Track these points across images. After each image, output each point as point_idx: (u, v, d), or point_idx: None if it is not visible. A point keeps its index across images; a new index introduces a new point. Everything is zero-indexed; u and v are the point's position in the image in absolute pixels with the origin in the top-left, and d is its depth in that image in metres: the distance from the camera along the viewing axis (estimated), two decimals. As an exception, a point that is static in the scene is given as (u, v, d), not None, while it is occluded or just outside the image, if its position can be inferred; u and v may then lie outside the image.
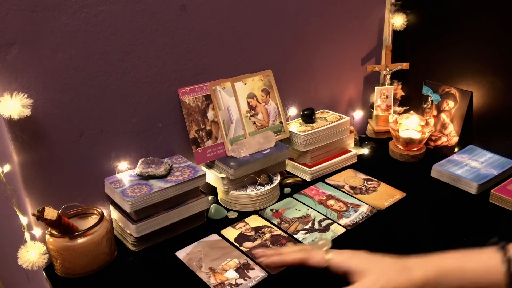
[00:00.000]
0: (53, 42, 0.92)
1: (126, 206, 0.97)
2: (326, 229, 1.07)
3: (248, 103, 1.26)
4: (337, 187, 1.26)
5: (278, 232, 1.07)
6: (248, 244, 1.02)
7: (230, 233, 1.07)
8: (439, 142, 1.47)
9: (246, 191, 1.16)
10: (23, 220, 0.93)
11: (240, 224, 1.10)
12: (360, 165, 1.40)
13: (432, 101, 1.49)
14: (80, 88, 0.98)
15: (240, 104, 1.24)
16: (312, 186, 1.27)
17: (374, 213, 1.13)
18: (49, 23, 0.90)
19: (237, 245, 1.02)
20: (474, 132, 1.42)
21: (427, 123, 1.42)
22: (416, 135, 1.40)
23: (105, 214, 1.01)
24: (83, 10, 0.94)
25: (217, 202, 1.21)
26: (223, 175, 1.16)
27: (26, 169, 0.94)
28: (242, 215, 1.15)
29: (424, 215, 1.13)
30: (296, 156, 1.37)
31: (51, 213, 0.87)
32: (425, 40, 1.51)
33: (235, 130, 1.23)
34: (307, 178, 1.32)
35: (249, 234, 1.07)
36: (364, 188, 1.25)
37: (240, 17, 1.21)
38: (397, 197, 1.20)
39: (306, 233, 1.05)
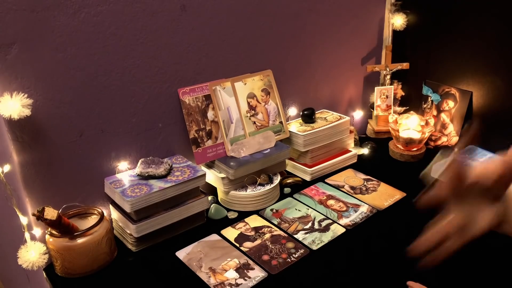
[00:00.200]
0: (53, 42, 0.92)
1: (126, 206, 0.97)
2: (326, 229, 1.07)
3: (248, 103, 1.26)
4: (337, 187, 1.26)
5: (278, 232, 1.07)
6: (248, 244, 1.02)
7: (230, 233, 1.07)
8: (439, 142, 1.47)
9: (246, 191, 1.16)
10: (23, 220, 0.93)
11: (240, 224, 1.10)
12: (360, 165, 1.40)
13: (432, 101, 1.49)
14: (80, 88, 0.98)
15: (240, 104, 1.24)
16: (312, 186, 1.27)
17: (374, 213, 1.13)
18: (49, 23, 0.90)
19: (237, 245, 1.02)
20: (474, 133, 1.42)
21: (427, 123, 1.42)
22: (416, 135, 1.40)
23: (105, 214, 1.01)
24: (83, 10, 0.94)
25: (217, 202, 1.21)
26: (223, 175, 1.16)
27: (26, 169, 0.94)
28: (242, 215, 1.15)
29: (424, 215, 1.13)
30: (296, 156, 1.37)
31: (51, 213, 0.87)
32: (425, 40, 1.51)
33: (235, 130, 1.23)
34: (307, 178, 1.32)
35: (249, 234, 1.06)
36: (364, 188, 1.25)
37: (240, 17, 1.21)
38: (397, 197, 1.19)
39: (306, 233, 1.05)
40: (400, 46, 1.57)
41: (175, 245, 1.03)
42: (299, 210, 1.15)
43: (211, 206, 1.15)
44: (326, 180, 1.31)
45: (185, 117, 1.15)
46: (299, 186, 1.28)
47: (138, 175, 1.05)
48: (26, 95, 0.87)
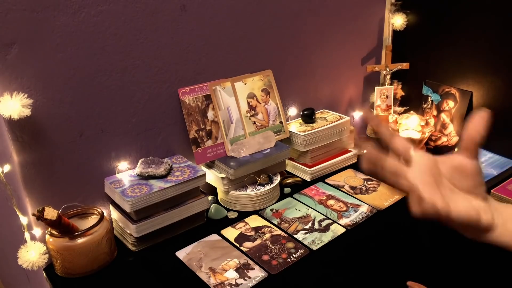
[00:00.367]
0: (53, 42, 0.92)
1: (126, 206, 0.97)
2: (326, 229, 1.07)
3: (248, 103, 1.26)
4: (337, 187, 1.26)
5: (278, 232, 1.07)
6: (248, 244, 1.02)
7: (230, 233, 1.07)
8: (439, 142, 1.47)
9: (246, 191, 1.16)
10: (23, 220, 0.93)
11: (240, 224, 1.10)
12: (360, 165, 1.40)
13: (432, 101, 1.49)
14: (80, 88, 0.98)
15: (240, 104, 1.24)
16: (312, 186, 1.27)
17: (374, 213, 1.13)
18: (49, 23, 0.90)
19: (237, 245, 1.02)
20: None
21: (427, 123, 1.42)
22: (416, 135, 1.40)
23: (105, 214, 1.01)
24: (83, 10, 0.94)
25: (217, 202, 1.21)
26: (223, 175, 1.16)
27: (26, 169, 0.94)
28: (242, 215, 1.15)
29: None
30: (296, 156, 1.37)
31: (51, 213, 0.87)
32: (425, 40, 1.51)
33: (235, 130, 1.23)
34: (307, 178, 1.32)
35: (249, 234, 1.06)
36: (364, 188, 1.25)
37: (240, 17, 1.21)
38: (397, 197, 1.19)
39: (306, 233, 1.05)
40: (400, 46, 1.57)
41: (175, 245, 1.03)
42: (299, 210, 1.15)
43: (211, 206, 1.15)
44: (326, 180, 1.31)
45: (185, 117, 1.15)
46: (299, 186, 1.28)
47: (138, 175, 1.05)
48: (26, 95, 0.87)
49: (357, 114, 1.64)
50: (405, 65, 1.54)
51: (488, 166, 1.29)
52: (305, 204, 1.18)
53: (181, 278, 0.93)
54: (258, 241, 1.03)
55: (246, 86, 1.26)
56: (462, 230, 0.52)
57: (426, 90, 1.51)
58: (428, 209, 0.48)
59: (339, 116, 1.40)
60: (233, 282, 0.90)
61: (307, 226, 1.08)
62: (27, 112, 0.86)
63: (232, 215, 1.15)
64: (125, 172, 1.09)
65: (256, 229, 1.08)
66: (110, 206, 1.07)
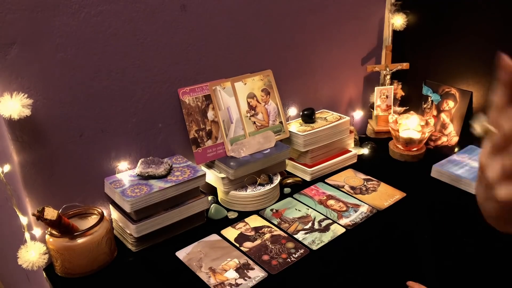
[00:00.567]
0: (53, 42, 0.92)
1: (126, 206, 0.97)
2: (326, 229, 1.07)
3: (248, 103, 1.26)
4: (337, 187, 1.26)
5: (278, 232, 1.07)
6: (248, 244, 1.02)
7: (230, 233, 1.07)
8: (439, 142, 1.47)
9: (246, 191, 1.16)
10: (23, 220, 0.92)
11: (240, 224, 1.10)
12: (360, 165, 1.40)
13: (432, 101, 1.49)
14: (80, 88, 0.98)
15: (240, 104, 1.24)
16: (312, 186, 1.27)
17: (374, 213, 1.13)
18: (49, 23, 0.90)
19: (237, 245, 1.02)
20: (474, 133, 1.42)
21: (427, 123, 1.42)
22: (416, 135, 1.40)
23: (105, 214, 1.01)
24: (83, 10, 0.94)
25: (217, 202, 1.21)
26: (223, 175, 1.16)
27: (26, 169, 0.94)
28: (242, 215, 1.15)
29: (424, 215, 1.13)
30: (296, 156, 1.37)
31: (51, 213, 0.87)
32: (425, 40, 1.51)
33: (235, 130, 1.23)
34: (307, 178, 1.32)
35: (249, 234, 1.06)
36: (364, 188, 1.25)
37: (240, 17, 1.21)
38: (397, 197, 1.19)
39: (306, 233, 1.05)
40: (400, 46, 1.57)
41: (175, 245, 1.03)
42: (299, 210, 1.15)
43: (211, 206, 1.15)
44: (326, 180, 1.31)
45: (185, 117, 1.15)
46: (299, 186, 1.28)
47: (138, 175, 1.05)
48: (26, 95, 0.87)
49: (357, 114, 1.64)
50: (405, 65, 1.55)
51: (488, 166, 1.28)
52: (305, 204, 1.18)
53: (181, 278, 0.93)
54: (258, 241, 1.03)
55: (246, 86, 1.26)
56: (499, 220, 0.45)
57: (426, 90, 1.51)
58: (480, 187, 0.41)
59: (339, 116, 1.40)
60: (233, 282, 0.90)
61: (307, 226, 1.08)
62: (27, 112, 0.86)
63: (232, 215, 1.15)
64: (125, 172, 1.09)
65: (256, 229, 1.08)
66: (110, 206, 1.07)
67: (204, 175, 1.08)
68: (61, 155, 0.99)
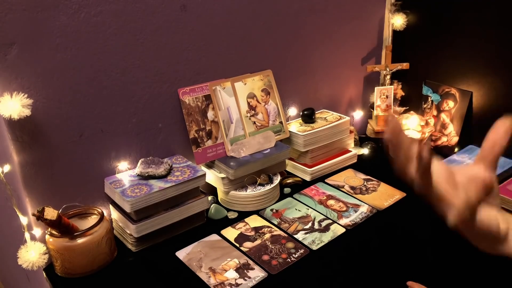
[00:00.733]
0: (53, 42, 0.92)
1: (126, 206, 0.97)
2: (326, 229, 1.07)
3: (248, 103, 1.26)
4: (337, 187, 1.26)
5: (278, 232, 1.07)
6: (248, 244, 1.02)
7: (230, 233, 1.07)
8: (439, 142, 1.47)
9: (246, 191, 1.16)
10: (23, 220, 0.93)
11: (240, 224, 1.10)
12: (360, 165, 1.40)
13: (432, 101, 1.49)
14: (80, 88, 0.98)
15: (240, 104, 1.24)
16: (312, 186, 1.27)
17: (374, 213, 1.13)
18: (49, 23, 0.90)
19: (237, 245, 1.02)
20: (474, 132, 1.42)
21: (427, 123, 1.42)
22: (416, 135, 1.40)
23: (105, 214, 1.01)
24: (83, 10, 0.94)
25: (217, 202, 1.21)
26: (223, 175, 1.16)
27: (26, 169, 0.94)
28: (242, 215, 1.15)
29: (424, 215, 1.13)
30: (296, 156, 1.37)
31: (51, 213, 0.87)
32: (425, 40, 1.51)
33: (235, 130, 1.23)
34: (307, 178, 1.31)
35: (249, 234, 1.06)
36: (364, 188, 1.25)
37: (240, 17, 1.21)
38: (397, 197, 1.19)
39: (306, 233, 1.05)
40: (400, 46, 1.57)
41: (175, 245, 1.03)
42: (299, 210, 1.15)
43: (211, 206, 1.15)
44: (326, 180, 1.31)
45: (185, 117, 1.15)
46: (299, 186, 1.28)
47: (138, 175, 1.05)
48: (26, 95, 0.87)
49: (357, 114, 1.64)
50: (405, 65, 1.54)
51: (488, 166, 1.28)
52: (305, 204, 1.18)
53: (181, 278, 0.93)
54: (258, 241, 1.03)
55: (246, 86, 1.26)
56: (478, 241, 0.50)
57: (426, 90, 1.51)
58: (461, 215, 0.45)
59: (339, 116, 1.40)
60: (233, 282, 0.90)
61: (307, 226, 1.08)
62: (27, 112, 0.86)
63: (232, 215, 1.15)
64: (125, 172, 1.09)
65: (256, 229, 1.08)
66: (110, 206, 1.07)
67: (204, 175, 1.08)
68: (61, 155, 0.99)
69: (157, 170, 1.04)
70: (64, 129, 0.98)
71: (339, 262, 0.97)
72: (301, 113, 1.38)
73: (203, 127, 1.18)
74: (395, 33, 1.56)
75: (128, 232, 1.01)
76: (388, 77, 1.56)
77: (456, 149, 1.42)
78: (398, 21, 1.52)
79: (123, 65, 1.03)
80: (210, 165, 1.22)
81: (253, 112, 1.26)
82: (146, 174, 1.04)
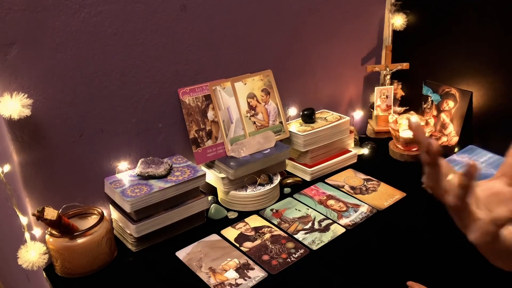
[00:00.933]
0: (53, 42, 0.92)
1: (126, 206, 0.97)
2: (326, 229, 1.07)
3: (248, 103, 1.26)
4: (337, 187, 1.26)
5: (278, 232, 1.07)
6: (248, 244, 1.02)
7: (230, 233, 1.07)
8: (439, 142, 1.47)
9: (246, 191, 1.16)
10: (23, 220, 0.93)
11: (240, 224, 1.10)
12: (360, 165, 1.40)
13: (432, 101, 1.49)
14: (80, 88, 0.98)
15: (240, 104, 1.24)
16: (312, 186, 1.27)
17: (374, 213, 1.13)
18: (49, 23, 0.90)
19: (237, 245, 1.02)
20: (474, 132, 1.42)
21: (427, 123, 1.42)
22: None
23: (105, 214, 1.01)
24: (83, 10, 0.94)
25: (217, 202, 1.21)
26: (223, 175, 1.16)
27: (26, 169, 0.94)
28: (242, 215, 1.15)
29: (424, 215, 1.13)
30: (296, 156, 1.37)
31: (51, 213, 0.87)
32: (425, 40, 1.51)
33: (235, 130, 1.23)
34: (307, 178, 1.31)
35: (249, 234, 1.06)
36: (364, 188, 1.25)
37: (240, 17, 1.21)
38: (397, 197, 1.19)
39: (306, 233, 1.05)
40: (400, 46, 1.57)
41: (175, 245, 1.03)
42: (299, 210, 1.15)
43: (211, 206, 1.15)
44: (326, 180, 1.31)
45: (185, 117, 1.15)
46: (299, 186, 1.28)
47: (138, 175, 1.05)
48: (26, 95, 0.87)
49: (357, 114, 1.64)
50: (405, 65, 1.55)
51: (488, 166, 1.29)
52: (305, 204, 1.18)
53: (181, 278, 0.93)
54: (258, 241, 1.03)
55: (246, 86, 1.26)
56: (497, 259, 0.50)
57: (426, 90, 1.51)
58: (486, 230, 0.45)
59: (339, 116, 1.40)
60: (233, 282, 0.90)
61: (307, 226, 1.08)
62: (27, 112, 0.86)
63: (232, 215, 1.15)
64: (125, 172, 1.09)
65: (256, 229, 1.08)
66: (110, 206, 1.07)
67: (204, 175, 1.08)
68: (61, 155, 0.99)
69: (157, 170, 1.04)
70: (64, 129, 0.98)
71: (339, 262, 0.97)
72: (301, 113, 1.38)
73: (203, 127, 1.18)
74: (395, 33, 1.56)
75: (128, 232, 1.01)
76: (388, 77, 1.56)
77: (456, 149, 1.42)
78: (398, 21, 1.52)
79: (123, 65, 1.03)
80: (210, 165, 1.22)
81: (253, 112, 1.26)
82: (146, 174, 1.04)
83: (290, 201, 1.20)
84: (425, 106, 1.53)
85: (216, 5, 1.15)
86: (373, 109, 1.59)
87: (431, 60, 1.52)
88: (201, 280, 0.91)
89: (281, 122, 1.31)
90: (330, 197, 1.21)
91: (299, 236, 1.05)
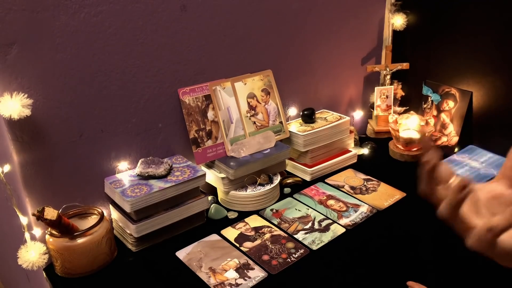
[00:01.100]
0: (53, 42, 0.92)
1: (126, 206, 0.97)
2: (326, 229, 1.07)
3: (248, 103, 1.26)
4: (337, 187, 1.26)
5: (278, 232, 1.07)
6: (248, 244, 1.02)
7: (230, 233, 1.07)
8: (439, 142, 1.47)
9: (246, 191, 1.16)
10: (23, 220, 0.93)
11: (240, 224, 1.10)
12: (360, 165, 1.40)
13: (432, 101, 1.49)
14: (80, 88, 0.98)
15: (240, 104, 1.24)
16: (312, 186, 1.27)
17: (374, 213, 1.13)
18: (49, 23, 0.90)
19: (237, 245, 1.02)
20: (474, 132, 1.42)
21: (427, 123, 1.42)
22: (416, 135, 1.40)
23: (105, 214, 1.01)
24: (83, 10, 0.94)
25: (217, 202, 1.21)
26: (223, 175, 1.16)
27: (26, 169, 0.94)
28: (242, 215, 1.15)
29: (424, 215, 1.13)
30: (296, 156, 1.37)
31: (51, 213, 0.87)
32: (425, 40, 1.51)
33: (235, 130, 1.23)
34: (307, 178, 1.31)
35: (249, 234, 1.06)
36: (364, 188, 1.25)
37: (240, 17, 1.21)
38: (397, 197, 1.19)
39: (306, 233, 1.05)
40: (400, 46, 1.57)
41: (175, 245, 1.03)
42: (299, 210, 1.15)
43: (211, 206, 1.15)
44: (326, 180, 1.31)
45: (185, 117, 1.15)
46: (299, 186, 1.28)
47: (138, 175, 1.05)
48: (26, 95, 0.87)
49: (357, 114, 1.64)
50: (405, 65, 1.55)
51: (488, 166, 1.29)
52: (305, 204, 1.18)
53: (181, 278, 0.93)
54: (258, 241, 1.03)
55: (246, 86, 1.26)
56: (502, 260, 0.49)
57: (426, 90, 1.51)
58: (483, 237, 0.45)
59: (339, 116, 1.40)
60: (233, 282, 0.90)
61: (307, 226, 1.08)
62: (27, 112, 0.86)
63: (232, 215, 1.15)
64: (125, 172, 1.09)
65: (256, 229, 1.08)
66: (110, 206, 1.07)
67: (204, 175, 1.08)
68: (61, 155, 0.99)
69: (157, 170, 1.04)
70: (64, 129, 0.98)
71: (339, 262, 0.97)
72: (301, 113, 1.38)
73: (203, 127, 1.18)
74: (395, 33, 1.56)
75: (128, 232, 1.01)
76: (388, 77, 1.56)
77: (456, 149, 1.42)
78: (398, 21, 1.52)
79: (123, 65, 1.03)
80: (210, 165, 1.22)
81: (253, 112, 1.26)
82: (146, 174, 1.04)
83: (290, 201, 1.20)
84: (425, 106, 1.53)
85: (216, 5, 1.15)
86: (373, 109, 1.59)
87: (431, 60, 1.52)
88: (201, 280, 0.91)
89: (281, 122, 1.31)
90: (330, 197, 1.21)
91: (299, 236, 1.05)
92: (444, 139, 1.46)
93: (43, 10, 0.89)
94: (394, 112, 1.56)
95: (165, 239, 1.05)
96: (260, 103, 1.28)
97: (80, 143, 1.01)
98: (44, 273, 0.98)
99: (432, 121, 1.44)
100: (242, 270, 0.94)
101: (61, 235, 0.92)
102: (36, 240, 0.94)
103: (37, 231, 0.98)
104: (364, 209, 1.15)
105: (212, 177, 1.19)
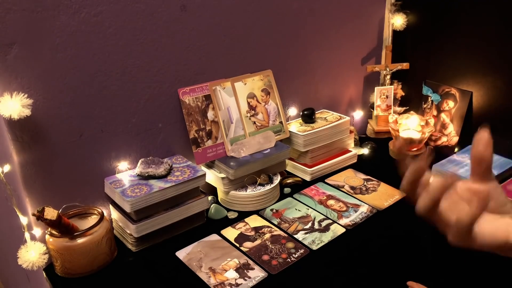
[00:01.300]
0: (53, 42, 0.92)
1: (126, 206, 0.97)
2: (326, 229, 1.07)
3: (248, 103, 1.26)
4: (337, 187, 1.26)
5: (278, 232, 1.07)
6: (248, 244, 1.02)
7: (230, 233, 1.07)
8: (439, 142, 1.47)
9: (246, 191, 1.16)
10: (23, 220, 0.93)
11: (240, 224, 1.10)
12: (360, 165, 1.40)
13: (432, 101, 1.49)
14: (80, 88, 0.98)
15: (240, 104, 1.24)
16: (312, 186, 1.27)
17: (374, 213, 1.13)
18: (49, 23, 0.90)
19: (237, 245, 1.02)
20: (474, 132, 1.41)
21: (427, 123, 1.42)
22: (416, 135, 1.40)
23: (105, 214, 1.01)
24: (83, 10, 0.94)
25: (217, 202, 1.21)
26: (223, 175, 1.16)
27: (26, 169, 0.94)
28: (242, 215, 1.15)
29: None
30: (296, 156, 1.37)
31: (51, 213, 0.87)
32: (425, 40, 1.51)
33: (235, 130, 1.23)
34: (307, 178, 1.31)
35: (249, 234, 1.06)
36: (364, 188, 1.25)
37: (240, 17, 1.21)
38: (397, 197, 1.19)
39: (306, 233, 1.05)
40: (400, 46, 1.57)
41: (175, 245, 1.03)
42: (299, 210, 1.15)
43: (211, 206, 1.15)
44: (326, 180, 1.31)
45: (185, 117, 1.15)
46: (299, 186, 1.28)
47: (138, 175, 1.05)
48: (26, 95, 0.87)
49: (357, 114, 1.64)
50: (405, 65, 1.55)
51: (488, 166, 1.28)
52: (305, 204, 1.18)
53: (181, 278, 0.93)
54: (258, 241, 1.03)
55: (246, 86, 1.26)
56: (491, 250, 0.50)
57: (426, 90, 1.51)
58: (459, 232, 0.45)
59: (339, 116, 1.40)
60: (233, 282, 0.90)
61: (307, 226, 1.08)
62: (27, 112, 0.86)
63: (232, 215, 1.15)
64: (125, 172, 1.09)
65: (256, 229, 1.08)
66: (110, 206, 1.07)
67: (204, 175, 1.08)
68: (61, 155, 0.99)
69: (157, 170, 1.04)
70: (64, 129, 0.98)
71: (339, 262, 0.97)
72: (301, 113, 1.38)
73: (203, 127, 1.18)
74: (395, 33, 1.56)
75: (128, 232, 1.01)
76: (388, 77, 1.56)
77: (456, 149, 1.42)
78: (398, 21, 1.52)
79: (123, 65, 1.03)
80: (210, 165, 1.22)
81: (253, 112, 1.26)
82: (146, 174, 1.04)
83: (290, 201, 1.20)
84: (425, 106, 1.53)
85: (216, 5, 1.15)
86: (373, 109, 1.59)
87: (431, 60, 1.51)
88: (201, 280, 0.91)
89: (281, 122, 1.31)
90: (330, 197, 1.21)
91: (299, 236, 1.05)
92: (444, 139, 1.46)
93: (43, 10, 0.89)
94: (394, 112, 1.56)
95: (165, 239, 1.05)
96: (260, 103, 1.28)
97: (80, 143, 1.01)
98: (44, 273, 0.98)
99: (432, 121, 1.44)
100: (242, 270, 0.94)
101: (61, 235, 0.92)
102: (36, 240, 0.94)
103: (37, 231, 0.98)
104: (364, 209, 1.15)
105: (212, 177, 1.19)
